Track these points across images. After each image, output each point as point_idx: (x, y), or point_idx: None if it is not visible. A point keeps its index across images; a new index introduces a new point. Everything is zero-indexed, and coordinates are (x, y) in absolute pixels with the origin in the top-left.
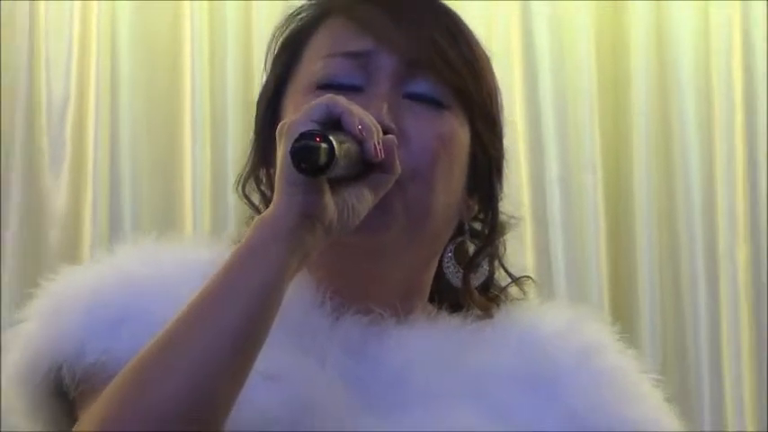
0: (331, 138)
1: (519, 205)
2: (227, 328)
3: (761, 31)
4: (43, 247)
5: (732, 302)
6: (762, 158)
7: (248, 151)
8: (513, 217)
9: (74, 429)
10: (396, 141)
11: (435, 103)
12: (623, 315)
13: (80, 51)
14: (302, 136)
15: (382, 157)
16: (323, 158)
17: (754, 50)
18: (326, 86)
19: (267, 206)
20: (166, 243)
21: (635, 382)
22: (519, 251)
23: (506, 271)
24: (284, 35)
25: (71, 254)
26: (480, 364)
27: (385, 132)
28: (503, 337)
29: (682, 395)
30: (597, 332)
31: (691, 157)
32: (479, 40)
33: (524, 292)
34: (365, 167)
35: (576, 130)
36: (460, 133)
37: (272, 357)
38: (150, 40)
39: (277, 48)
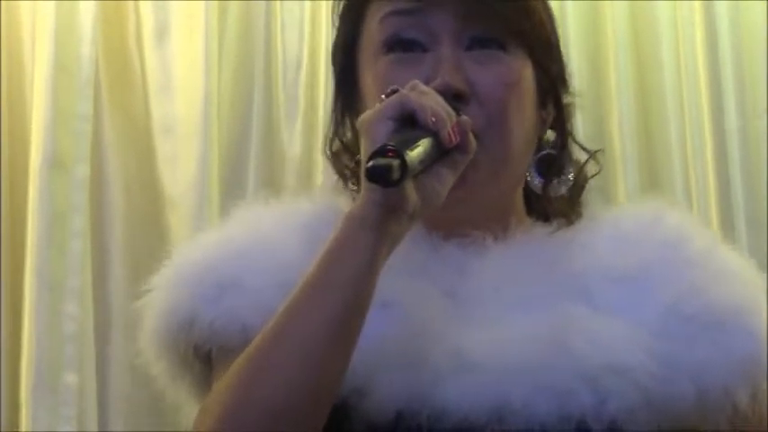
0: (403, 153)
1: (702, 150)
2: (326, 319)
3: None
4: (280, 188)
5: None
6: None
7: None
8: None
9: (197, 414)
10: (469, 122)
11: (496, 45)
12: None
13: (311, 18)
14: (375, 153)
15: (457, 142)
16: (395, 174)
17: None
18: (391, 44)
19: (351, 157)
20: (269, 205)
21: (723, 262)
22: (703, 186)
23: (580, 146)
24: None
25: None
26: (575, 266)
27: (458, 96)
28: (591, 239)
29: None
30: (679, 221)
31: None
32: None
33: (599, 163)
34: (443, 151)
35: (753, 81)
36: (523, 71)
37: (387, 287)
38: None
39: (341, 7)
